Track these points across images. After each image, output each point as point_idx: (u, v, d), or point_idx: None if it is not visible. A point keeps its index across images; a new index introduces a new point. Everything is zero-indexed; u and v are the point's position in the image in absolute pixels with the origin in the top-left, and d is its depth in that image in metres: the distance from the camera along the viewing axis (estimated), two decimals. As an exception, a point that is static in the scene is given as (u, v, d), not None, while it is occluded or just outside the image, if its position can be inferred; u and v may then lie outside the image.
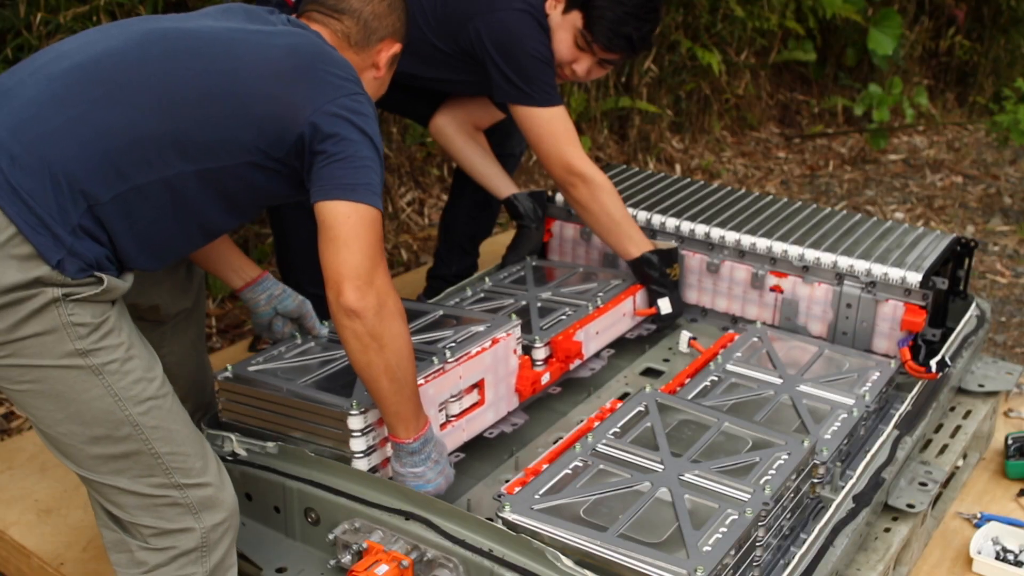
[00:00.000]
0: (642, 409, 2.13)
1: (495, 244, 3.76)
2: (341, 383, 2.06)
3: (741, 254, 2.74)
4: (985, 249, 4.57)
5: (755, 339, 2.54)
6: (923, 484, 2.24)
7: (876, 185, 5.38)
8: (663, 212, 2.87)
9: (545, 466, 1.96)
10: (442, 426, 2.14)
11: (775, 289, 2.71)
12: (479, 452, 2.31)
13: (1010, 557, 2.26)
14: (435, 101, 2.94)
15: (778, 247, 2.68)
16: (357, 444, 1.96)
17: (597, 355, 2.61)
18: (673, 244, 2.76)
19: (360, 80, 1.86)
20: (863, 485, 2.07)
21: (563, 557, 1.70)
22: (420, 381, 2.01)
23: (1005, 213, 5.01)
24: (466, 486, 2.18)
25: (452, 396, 2.14)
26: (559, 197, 2.99)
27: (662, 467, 1.93)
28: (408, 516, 1.85)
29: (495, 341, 2.22)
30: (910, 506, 2.17)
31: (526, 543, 1.73)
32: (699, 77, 5.47)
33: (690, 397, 2.24)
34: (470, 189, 3.05)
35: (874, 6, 5.87)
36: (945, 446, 2.49)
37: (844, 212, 2.93)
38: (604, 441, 2.01)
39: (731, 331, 2.72)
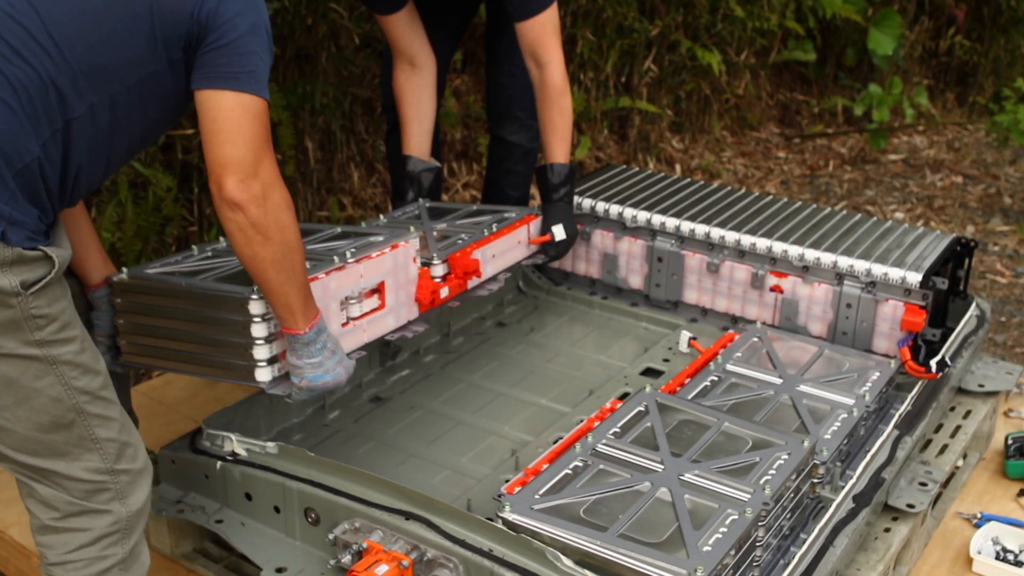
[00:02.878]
0: (642, 409, 2.13)
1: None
2: (240, 281, 2.02)
3: (741, 254, 2.74)
4: (985, 249, 4.57)
5: (755, 339, 2.54)
6: (923, 484, 2.24)
7: (876, 185, 5.38)
8: (663, 212, 2.87)
9: (545, 466, 1.96)
10: (343, 325, 2.15)
11: (775, 289, 2.71)
12: (479, 452, 2.31)
13: (1010, 557, 2.26)
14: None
15: (778, 247, 2.68)
16: (258, 330, 1.93)
17: (494, 278, 2.64)
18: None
19: None
20: (863, 485, 2.07)
21: (563, 557, 1.71)
22: (321, 275, 2.05)
23: (1005, 213, 5.01)
24: (466, 486, 2.18)
25: (353, 298, 2.16)
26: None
27: (662, 467, 1.93)
28: (408, 516, 1.85)
29: (395, 246, 2.26)
30: (910, 506, 2.17)
31: (526, 543, 1.73)
32: (699, 77, 5.47)
33: (690, 397, 2.24)
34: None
35: (874, 6, 5.87)
36: (945, 446, 2.49)
37: (844, 212, 2.93)
38: (604, 441, 2.01)
39: (731, 331, 2.72)
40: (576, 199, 2.96)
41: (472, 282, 2.53)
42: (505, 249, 2.66)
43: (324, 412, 2.43)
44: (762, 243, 2.70)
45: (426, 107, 2.90)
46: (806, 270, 2.66)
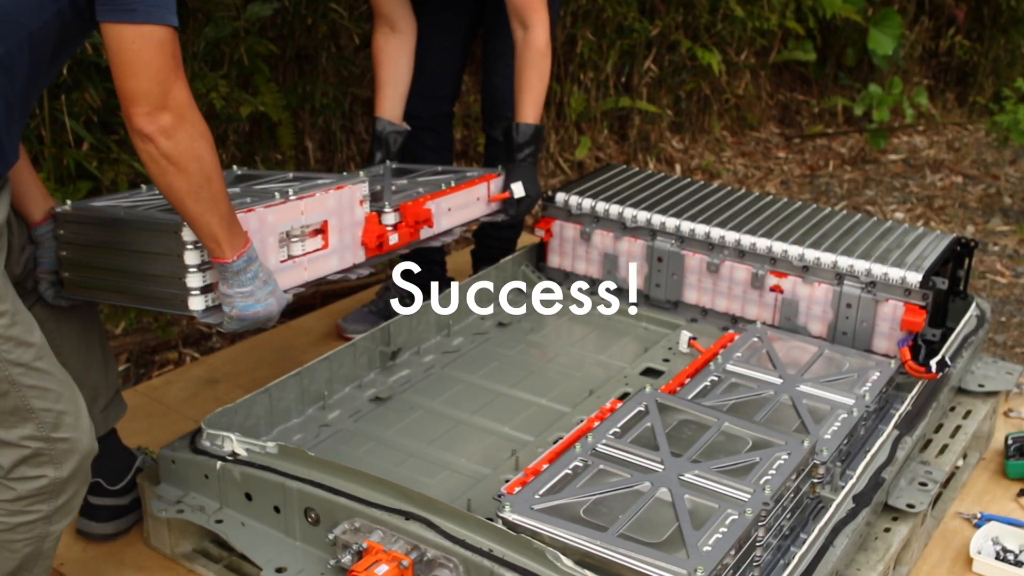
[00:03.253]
0: (642, 409, 2.13)
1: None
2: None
3: (741, 254, 2.74)
4: (985, 249, 4.57)
5: (755, 339, 2.54)
6: (923, 484, 2.25)
7: (876, 185, 5.37)
8: (663, 212, 2.87)
9: (545, 466, 1.96)
10: (282, 261, 2.15)
11: (775, 289, 2.71)
12: (479, 452, 2.31)
13: (1010, 557, 2.26)
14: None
15: (778, 247, 2.68)
16: (190, 257, 1.92)
17: (449, 231, 2.67)
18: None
19: None
20: (863, 485, 2.07)
21: (563, 557, 1.71)
22: (260, 207, 2.05)
23: (1005, 213, 5.01)
24: (466, 486, 2.18)
25: (295, 235, 2.17)
26: (559, 196, 3.00)
27: (662, 467, 1.93)
28: (408, 516, 1.85)
29: (340, 187, 2.28)
30: (910, 506, 2.17)
31: (526, 543, 1.73)
32: (699, 77, 5.47)
33: (690, 397, 2.24)
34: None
35: (874, 6, 5.87)
36: (945, 446, 2.49)
37: (844, 212, 2.93)
38: (604, 441, 2.01)
39: (731, 331, 2.72)
40: (576, 199, 2.96)
41: (425, 232, 2.55)
42: (463, 204, 2.70)
43: (324, 412, 2.43)
44: (762, 243, 2.70)
45: (403, 71, 2.93)
46: (806, 270, 2.66)
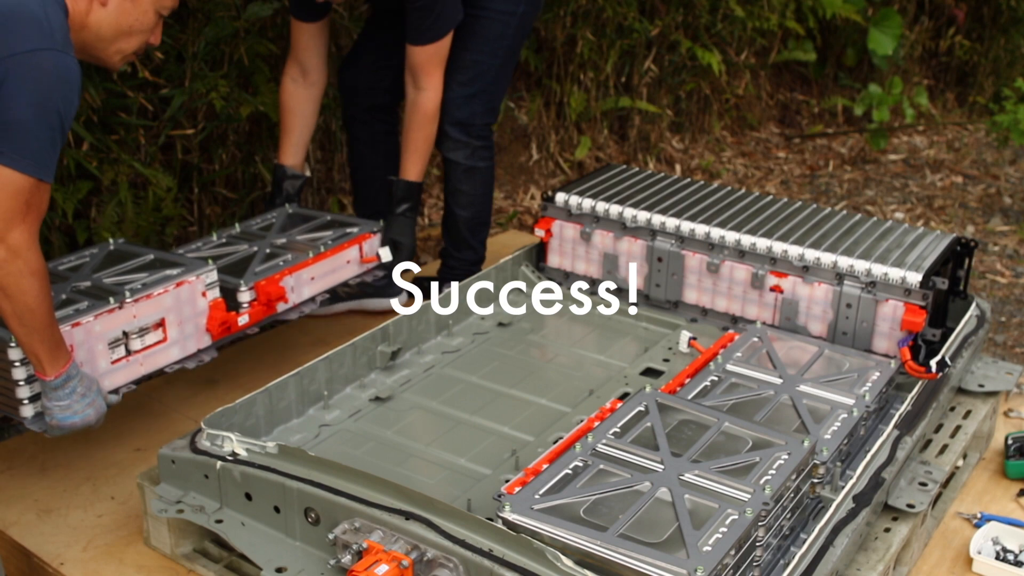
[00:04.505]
0: (642, 409, 2.13)
1: (494, 244, 3.76)
2: None
3: (741, 254, 2.74)
4: (985, 249, 4.57)
5: (755, 339, 2.54)
6: (923, 484, 2.25)
7: (876, 185, 5.37)
8: (663, 212, 2.87)
9: (545, 466, 1.96)
10: (113, 362, 2.29)
11: (775, 289, 2.71)
12: (479, 452, 2.31)
13: (1010, 557, 2.26)
14: None
15: (778, 247, 2.68)
16: (17, 373, 2.12)
17: (312, 299, 2.75)
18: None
19: (70, 42, 1.94)
20: (863, 485, 2.07)
21: (563, 557, 1.71)
22: (90, 318, 2.21)
23: (1005, 213, 5.01)
24: (466, 486, 2.18)
25: (134, 333, 2.31)
26: (559, 196, 3.00)
27: (662, 467, 1.93)
28: (408, 516, 1.85)
29: (179, 284, 2.39)
30: (910, 506, 2.17)
31: (526, 543, 1.73)
32: (699, 77, 5.47)
33: (690, 397, 2.24)
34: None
35: (874, 6, 5.87)
36: (945, 446, 2.49)
37: (844, 212, 2.93)
38: (604, 441, 2.01)
39: (731, 331, 2.72)
40: (576, 199, 2.96)
41: (281, 306, 2.65)
42: (329, 270, 2.79)
43: (324, 412, 2.43)
44: (762, 243, 2.70)
45: (308, 121, 3.12)
46: (806, 270, 2.66)
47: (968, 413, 2.62)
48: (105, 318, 2.24)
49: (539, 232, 3.06)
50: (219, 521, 2.06)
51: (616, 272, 2.96)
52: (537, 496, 1.84)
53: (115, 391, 2.30)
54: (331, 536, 1.88)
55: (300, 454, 2.01)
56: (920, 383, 2.42)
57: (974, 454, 2.64)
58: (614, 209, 2.91)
